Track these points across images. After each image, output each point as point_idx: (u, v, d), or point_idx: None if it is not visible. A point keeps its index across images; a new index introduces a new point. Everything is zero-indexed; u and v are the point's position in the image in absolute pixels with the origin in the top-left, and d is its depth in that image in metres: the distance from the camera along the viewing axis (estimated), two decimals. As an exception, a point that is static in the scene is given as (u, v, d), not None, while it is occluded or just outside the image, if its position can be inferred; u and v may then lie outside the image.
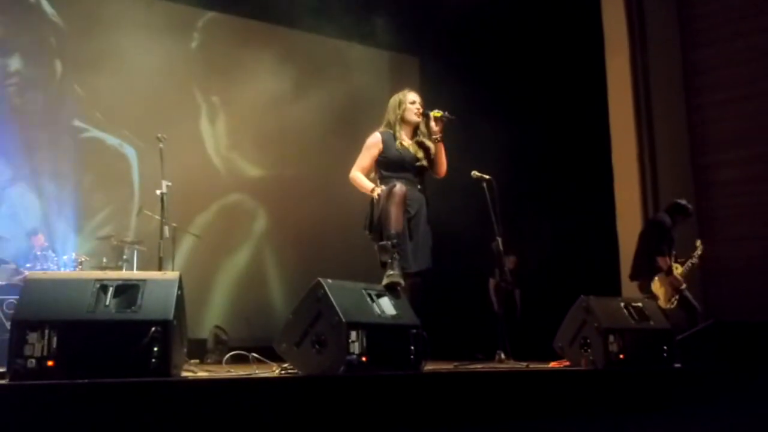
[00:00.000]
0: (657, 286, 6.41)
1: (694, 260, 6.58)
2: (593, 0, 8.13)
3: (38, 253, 7.34)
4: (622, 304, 4.81)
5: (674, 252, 6.55)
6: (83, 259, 7.34)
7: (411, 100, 4.66)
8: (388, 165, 4.57)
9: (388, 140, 4.59)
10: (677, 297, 6.35)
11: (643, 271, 6.54)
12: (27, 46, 8.20)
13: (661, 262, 6.40)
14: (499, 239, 5.55)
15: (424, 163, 4.61)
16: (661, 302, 6.28)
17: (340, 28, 9.22)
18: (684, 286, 6.38)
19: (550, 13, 8.94)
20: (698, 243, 6.66)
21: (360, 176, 4.54)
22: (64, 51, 8.31)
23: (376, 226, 4.32)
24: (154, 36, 8.47)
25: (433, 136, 4.61)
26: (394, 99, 4.70)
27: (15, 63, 8.12)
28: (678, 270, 6.43)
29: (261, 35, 9.56)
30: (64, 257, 7.33)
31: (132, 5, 8.53)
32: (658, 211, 7.33)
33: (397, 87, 4.88)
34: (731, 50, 7.87)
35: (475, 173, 5.66)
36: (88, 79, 8.20)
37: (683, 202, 6.70)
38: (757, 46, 7.68)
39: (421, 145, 4.65)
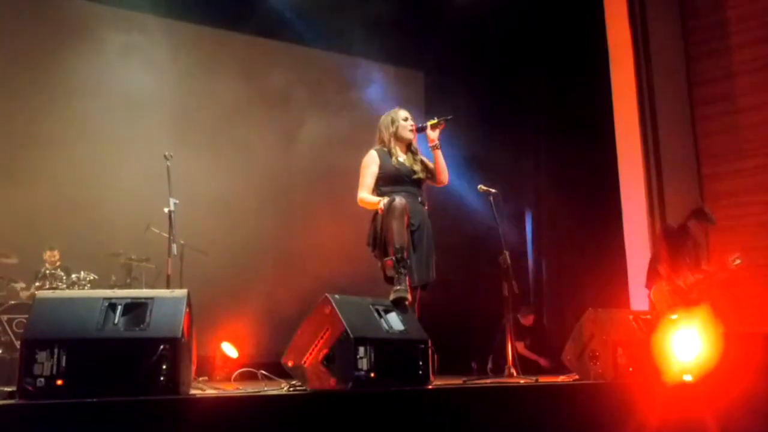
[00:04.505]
0: (656, 293, 6.34)
1: (718, 273, 6.34)
2: (597, 13, 8.15)
3: (47, 271, 7.37)
4: (631, 317, 4.80)
5: (685, 260, 6.35)
6: (92, 278, 7.36)
7: (403, 117, 4.75)
8: (386, 180, 4.61)
9: (384, 156, 4.65)
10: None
11: (648, 279, 6.50)
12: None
13: (660, 269, 6.33)
14: (506, 253, 5.54)
15: (422, 175, 4.68)
16: (660, 310, 6.21)
17: (344, 43, 9.25)
18: (694, 295, 6.22)
19: (555, 28, 8.97)
20: (734, 257, 6.25)
21: (367, 195, 4.57)
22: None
23: (380, 242, 4.34)
24: (161, 54, 8.54)
25: (431, 145, 4.70)
26: (386, 118, 4.78)
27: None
28: (688, 280, 6.28)
29: (265, 52, 9.61)
30: (73, 276, 7.35)
31: (144, 24, 8.60)
32: (664, 221, 7.33)
33: (402, 101, 4.93)
34: (736, 61, 7.88)
35: (481, 187, 5.68)
36: (94, 95, 8.27)
37: (702, 206, 6.61)
38: (761, 57, 7.69)
39: (416, 159, 4.73)
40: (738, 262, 6.26)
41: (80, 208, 8.05)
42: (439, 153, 4.70)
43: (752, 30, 7.79)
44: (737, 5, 7.93)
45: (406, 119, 4.74)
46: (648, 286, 6.52)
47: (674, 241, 6.45)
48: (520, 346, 8.28)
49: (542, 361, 8.12)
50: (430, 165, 4.74)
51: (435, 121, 4.72)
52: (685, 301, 6.21)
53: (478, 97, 9.04)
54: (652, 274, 6.47)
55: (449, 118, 4.74)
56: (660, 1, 8.17)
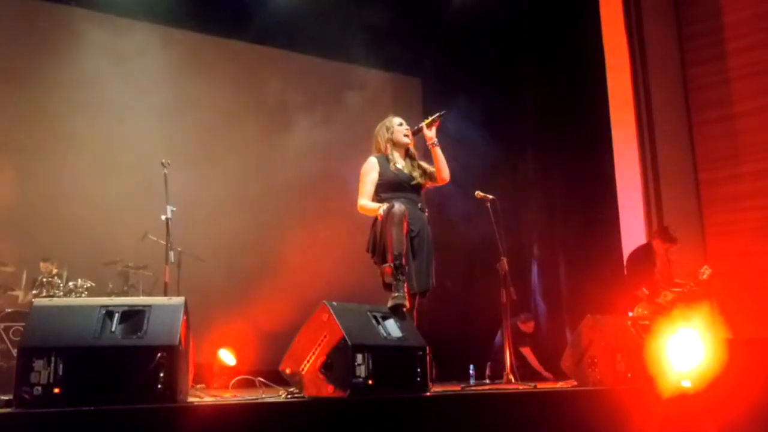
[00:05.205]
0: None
1: (692, 287, 6.36)
2: (594, 20, 8.17)
3: (44, 279, 7.34)
4: (629, 323, 4.80)
5: (658, 279, 6.40)
6: (89, 285, 7.34)
7: (398, 123, 4.78)
8: (385, 187, 4.61)
9: (383, 163, 4.66)
10: None
11: (628, 302, 6.50)
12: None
13: (638, 292, 6.33)
14: (504, 259, 5.54)
15: (421, 180, 4.68)
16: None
17: (341, 50, 9.26)
18: (676, 309, 6.22)
19: (552, 35, 8.99)
20: (703, 269, 6.40)
21: (367, 202, 4.56)
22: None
23: (379, 248, 4.33)
24: (157, 62, 8.54)
25: (430, 143, 4.71)
26: (380, 126, 4.81)
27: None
28: (667, 297, 6.28)
29: (262, 59, 9.63)
30: (70, 283, 7.33)
31: (140, 31, 8.62)
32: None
33: (400, 109, 4.94)
34: (732, 66, 7.90)
35: (478, 193, 5.69)
36: (90, 103, 8.27)
37: (666, 226, 6.66)
38: (758, 61, 7.71)
39: (415, 165, 4.73)
40: (707, 274, 6.33)
41: (77, 215, 8.03)
42: (438, 150, 4.70)
43: (748, 35, 7.80)
44: (733, 11, 7.95)
45: (401, 124, 4.77)
46: (628, 310, 6.52)
47: (643, 263, 6.45)
48: (527, 352, 8.26)
49: (545, 374, 8.05)
50: (429, 169, 4.73)
51: (429, 119, 4.74)
52: (669, 315, 6.19)
53: (476, 105, 9.05)
54: (629, 298, 6.46)
55: (443, 113, 4.75)
56: (656, 7, 8.19)
